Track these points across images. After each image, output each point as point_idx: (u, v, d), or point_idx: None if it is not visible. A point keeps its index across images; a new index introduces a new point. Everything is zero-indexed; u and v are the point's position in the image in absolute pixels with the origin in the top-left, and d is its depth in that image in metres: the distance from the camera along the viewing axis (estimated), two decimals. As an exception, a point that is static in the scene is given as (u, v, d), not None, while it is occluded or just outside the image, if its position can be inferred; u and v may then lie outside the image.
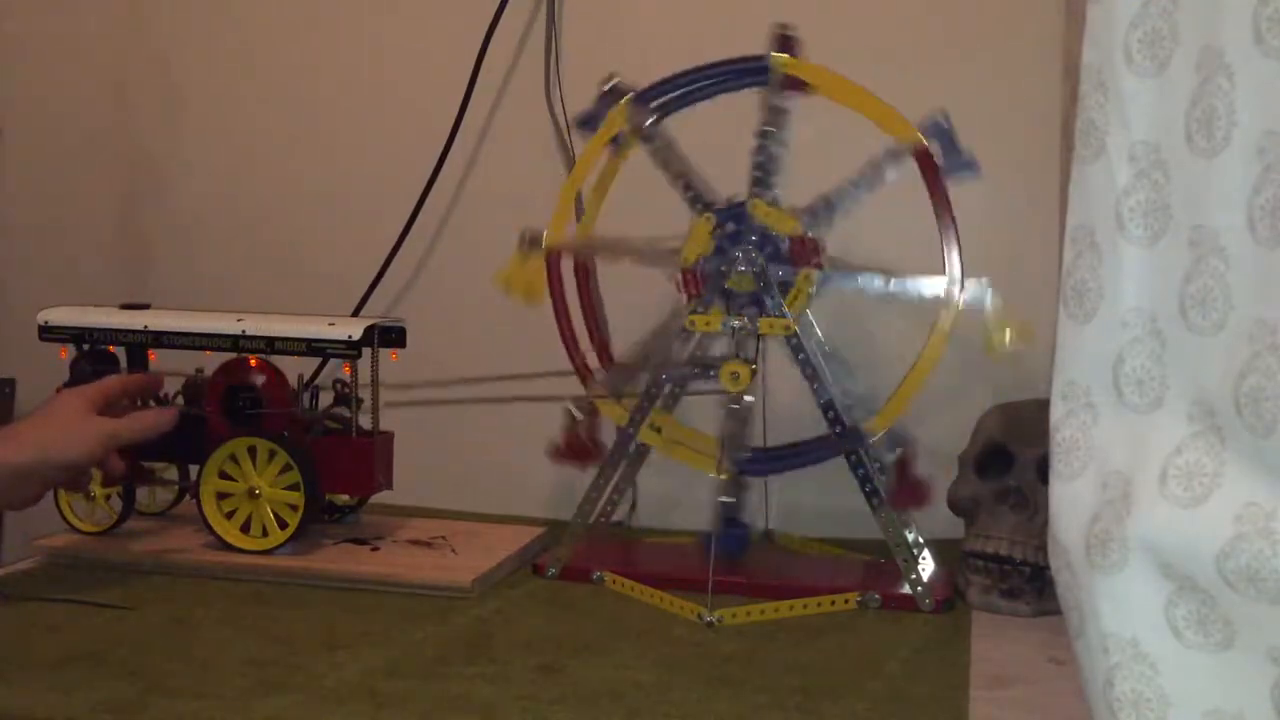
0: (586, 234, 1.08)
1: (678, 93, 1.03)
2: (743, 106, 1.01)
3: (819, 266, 0.99)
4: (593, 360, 1.09)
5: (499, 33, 1.31)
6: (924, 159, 0.96)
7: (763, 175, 1.00)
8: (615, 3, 1.31)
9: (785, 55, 0.99)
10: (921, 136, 0.96)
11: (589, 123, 1.05)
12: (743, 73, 1.01)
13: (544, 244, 1.06)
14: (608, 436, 1.06)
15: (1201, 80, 0.56)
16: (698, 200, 1.01)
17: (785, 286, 0.99)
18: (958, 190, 0.96)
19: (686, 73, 1.03)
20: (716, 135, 1.01)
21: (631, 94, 1.03)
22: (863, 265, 0.98)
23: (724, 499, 1.03)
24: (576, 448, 1.05)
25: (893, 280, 0.97)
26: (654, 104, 1.03)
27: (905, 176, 0.97)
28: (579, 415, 1.05)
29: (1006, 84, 1.19)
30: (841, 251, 1.01)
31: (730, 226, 1.00)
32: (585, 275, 1.11)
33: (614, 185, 1.08)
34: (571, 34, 1.32)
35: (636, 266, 1.04)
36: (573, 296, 1.10)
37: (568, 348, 1.08)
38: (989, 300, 0.94)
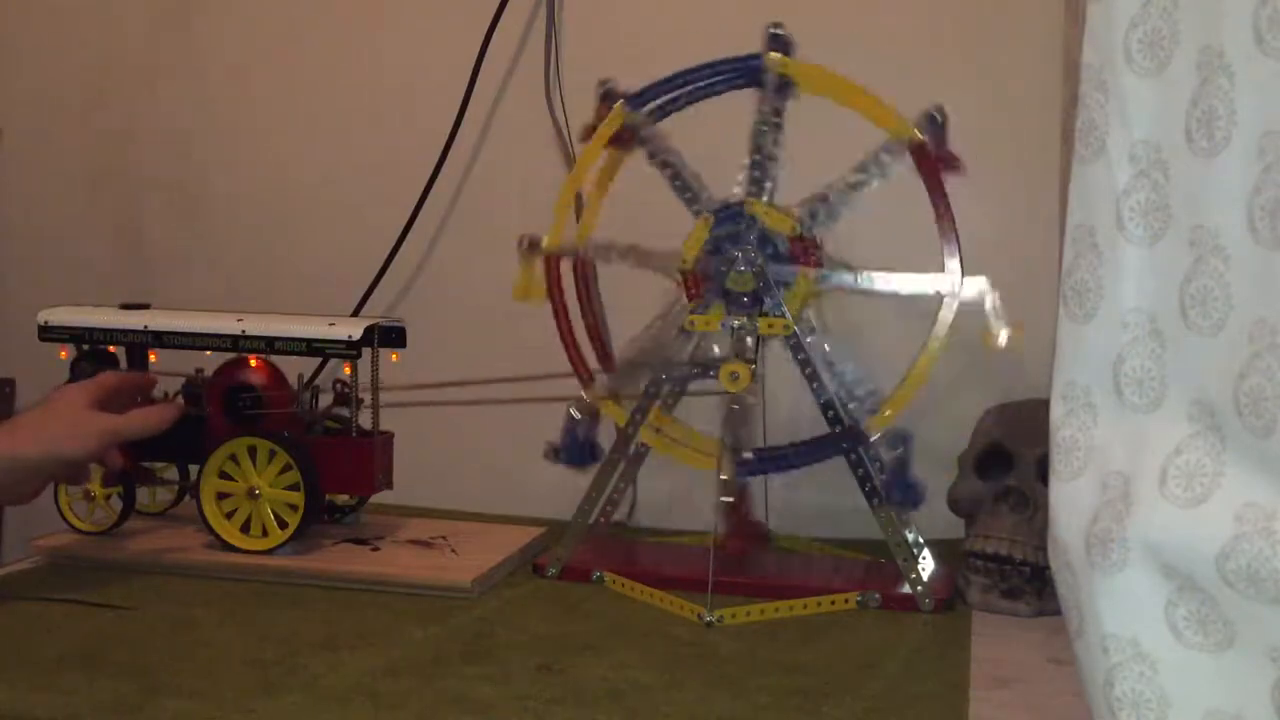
0: (586, 234, 1.08)
1: (673, 94, 1.03)
2: (740, 107, 1.01)
3: (818, 265, 0.99)
4: (594, 362, 1.09)
5: (499, 33, 1.31)
6: (920, 154, 0.96)
7: (759, 175, 1.00)
8: (615, 3, 1.31)
9: (779, 54, 0.99)
10: (917, 131, 0.96)
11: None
12: (737, 73, 1.01)
13: (543, 247, 1.06)
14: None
15: (1201, 80, 0.56)
16: (695, 202, 1.01)
17: (785, 286, 0.99)
18: (957, 188, 0.96)
19: (681, 74, 1.03)
20: (715, 136, 1.01)
21: (626, 96, 1.04)
22: (862, 264, 0.98)
23: (725, 499, 1.03)
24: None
25: (892, 278, 0.97)
26: (649, 106, 1.03)
27: (903, 175, 0.97)
28: (578, 415, 1.05)
29: (1006, 84, 1.19)
30: (841, 251, 1.01)
31: (729, 227, 1.00)
32: (585, 278, 1.10)
33: (614, 186, 1.08)
34: (571, 34, 1.32)
35: (636, 269, 1.04)
36: (571, 296, 1.10)
37: (568, 349, 1.08)
38: (988, 297, 0.94)
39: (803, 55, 1.00)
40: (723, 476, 1.01)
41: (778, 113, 1.00)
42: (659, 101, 1.04)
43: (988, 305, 0.94)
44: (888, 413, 0.98)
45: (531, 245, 1.06)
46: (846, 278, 0.98)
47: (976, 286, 0.95)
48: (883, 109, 0.97)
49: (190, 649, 0.85)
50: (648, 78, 1.03)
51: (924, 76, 1.08)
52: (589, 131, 1.06)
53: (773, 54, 1.00)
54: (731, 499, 1.01)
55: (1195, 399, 0.57)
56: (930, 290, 0.96)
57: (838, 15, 1.22)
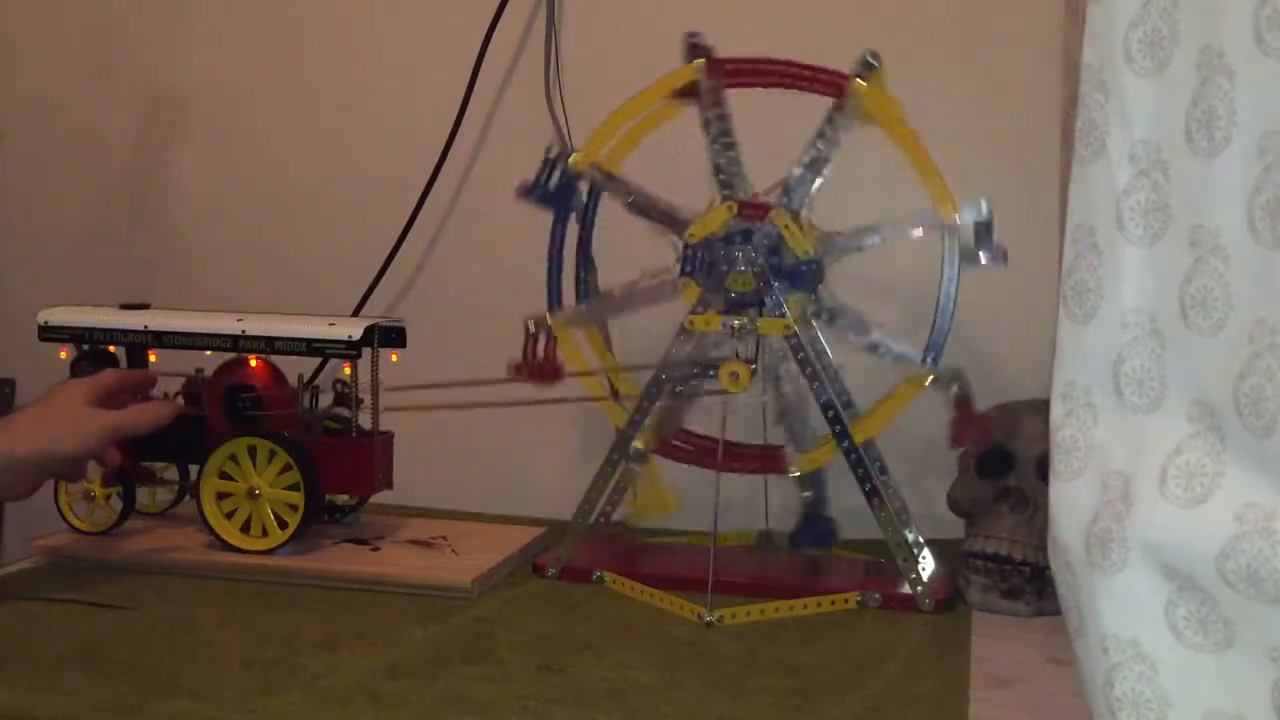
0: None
1: (749, 75, 1.02)
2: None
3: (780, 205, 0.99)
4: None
5: (499, 33, 1.31)
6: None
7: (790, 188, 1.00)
8: (615, 3, 1.31)
9: (864, 83, 0.97)
10: (957, 217, 0.96)
11: (534, 192, 1.07)
12: (815, 82, 1.00)
13: (576, 166, 1.06)
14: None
15: (1201, 80, 0.56)
16: (727, 186, 1.01)
17: (781, 233, 0.98)
18: (957, 189, 0.96)
19: (767, 60, 1.01)
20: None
21: (710, 55, 1.02)
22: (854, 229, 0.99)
23: (959, 396, 1.02)
24: (978, 421, 1.01)
25: (887, 228, 0.97)
26: (725, 74, 1.02)
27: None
28: (533, 329, 1.05)
29: (1006, 84, 1.19)
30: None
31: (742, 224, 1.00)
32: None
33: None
34: (571, 34, 1.32)
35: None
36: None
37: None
38: (986, 210, 0.95)
39: (802, 57, 1.00)
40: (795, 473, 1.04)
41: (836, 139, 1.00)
42: (734, 76, 1.02)
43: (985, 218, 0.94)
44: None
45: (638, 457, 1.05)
46: (848, 244, 0.98)
47: (973, 206, 0.95)
48: (938, 180, 0.96)
49: (190, 649, 0.85)
50: (649, 77, 1.03)
51: (924, 76, 1.08)
52: (517, 370, 1.06)
53: (860, 81, 0.98)
54: (963, 393, 0.98)
55: (1195, 399, 0.57)
56: (929, 225, 0.96)
57: (837, 16, 1.22)
